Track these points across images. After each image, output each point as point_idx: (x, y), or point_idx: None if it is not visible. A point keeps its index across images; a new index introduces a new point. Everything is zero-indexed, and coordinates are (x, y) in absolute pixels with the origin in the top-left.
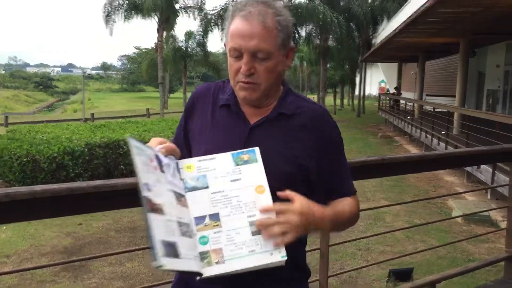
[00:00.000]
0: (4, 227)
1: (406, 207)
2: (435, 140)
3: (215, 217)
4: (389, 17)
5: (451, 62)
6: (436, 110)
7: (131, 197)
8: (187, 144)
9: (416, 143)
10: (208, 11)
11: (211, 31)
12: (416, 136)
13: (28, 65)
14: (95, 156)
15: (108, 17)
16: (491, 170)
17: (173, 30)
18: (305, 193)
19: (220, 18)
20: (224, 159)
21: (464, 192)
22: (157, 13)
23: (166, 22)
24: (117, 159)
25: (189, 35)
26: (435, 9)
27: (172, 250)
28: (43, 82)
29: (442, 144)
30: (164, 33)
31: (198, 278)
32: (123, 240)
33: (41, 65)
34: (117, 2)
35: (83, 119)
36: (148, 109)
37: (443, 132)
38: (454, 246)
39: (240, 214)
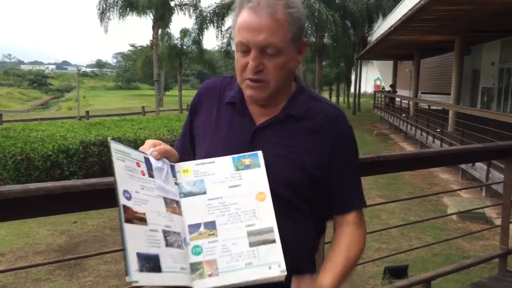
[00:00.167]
0: None
1: (401, 205)
2: (430, 138)
3: (211, 225)
4: (385, 14)
5: (446, 60)
6: (431, 107)
7: None
8: (192, 144)
9: (411, 141)
10: (204, 9)
11: (207, 28)
12: (411, 133)
13: (22, 62)
14: (90, 154)
15: (103, 14)
16: (485, 167)
17: (169, 27)
18: (311, 202)
19: (216, 15)
20: (224, 163)
21: (459, 190)
22: (152, 10)
23: (161, 20)
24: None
25: (184, 32)
26: (430, 7)
27: (151, 263)
28: (38, 80)
29: (437, 142)
30: (159, 31)
31: None
32: (118, 238)
33: (36, 62)
34: None
35: (78, 117)
36: (143, 107)
37: (438, 130)
38: (449, 243)
39: (238, 223)
